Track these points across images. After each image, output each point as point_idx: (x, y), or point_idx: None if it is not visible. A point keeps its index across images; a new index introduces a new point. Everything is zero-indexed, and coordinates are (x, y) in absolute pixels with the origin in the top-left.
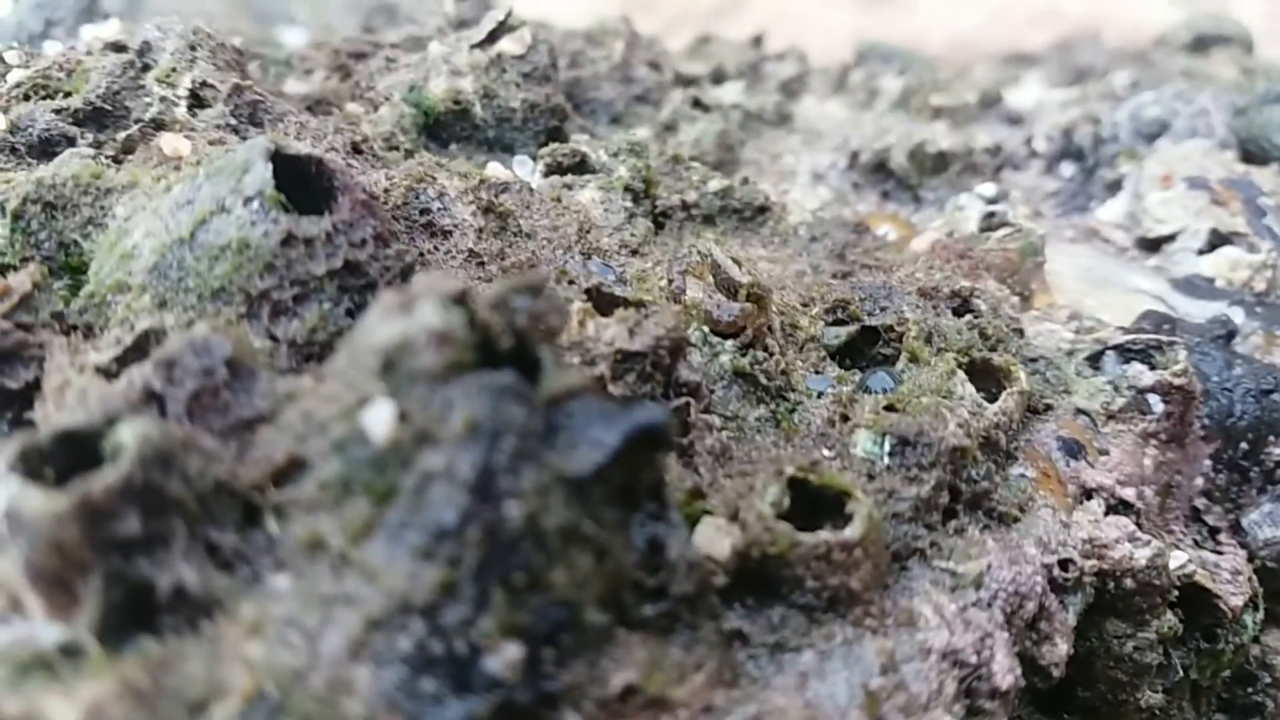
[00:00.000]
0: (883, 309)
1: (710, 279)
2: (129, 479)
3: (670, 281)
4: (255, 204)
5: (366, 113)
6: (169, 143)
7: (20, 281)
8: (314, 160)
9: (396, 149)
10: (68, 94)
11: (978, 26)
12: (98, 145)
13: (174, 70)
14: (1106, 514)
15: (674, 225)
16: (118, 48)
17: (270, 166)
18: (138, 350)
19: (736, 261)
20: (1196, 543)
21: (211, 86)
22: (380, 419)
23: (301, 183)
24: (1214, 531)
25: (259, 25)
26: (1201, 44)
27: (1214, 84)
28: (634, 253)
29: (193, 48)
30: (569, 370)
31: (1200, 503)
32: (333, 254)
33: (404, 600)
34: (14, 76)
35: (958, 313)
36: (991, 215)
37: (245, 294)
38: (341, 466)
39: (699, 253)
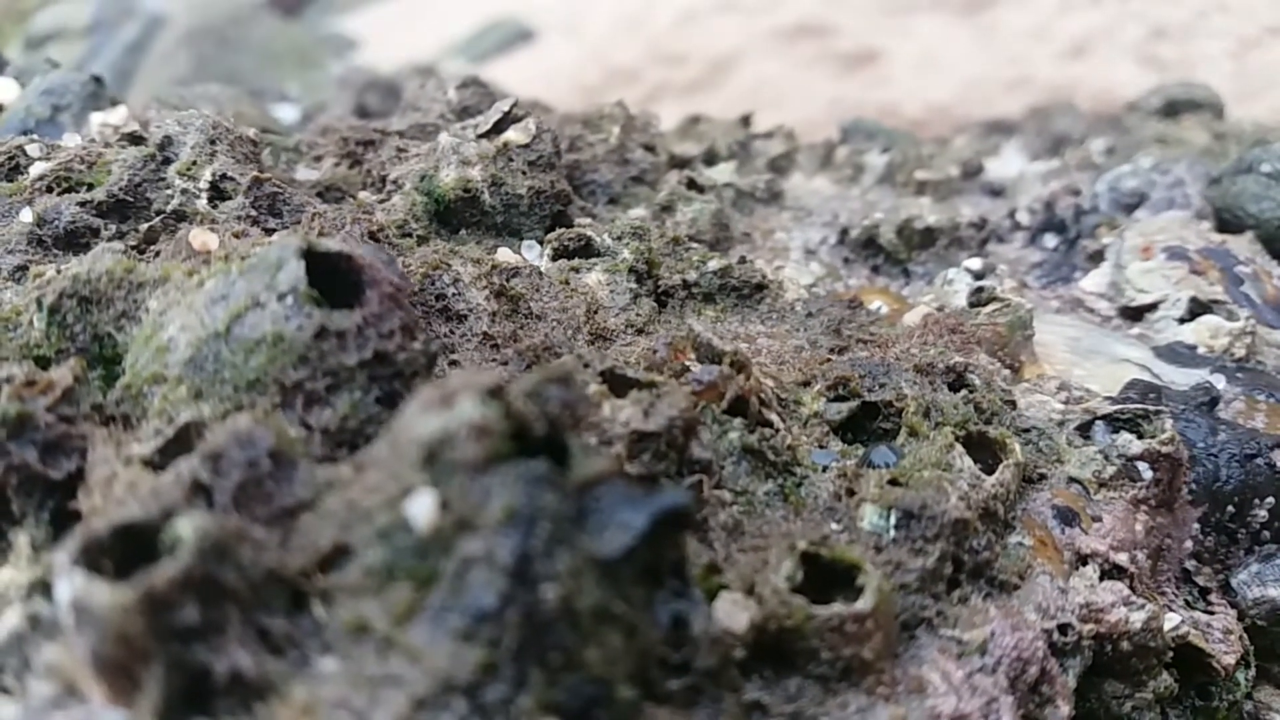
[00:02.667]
0: (882, 385)
1: (693, 354)
2: (189, 571)
3: (655, 352)
4: (289, 300)
5: (380, 200)
6: (197, 237)
7: (62, 375)
8: (344, 256)
9: (410, 235)
10: (90, 186)
11: (952, 94)
12: (120, 236)
13: (194, 163)
14: (1101, 579)
15: (676, 304)
16: (134, 138)
17: (303, 264)
18: (179, 442)
19: (718, 335)
20: (1188, 603)
21: (231, 179)
22: (423, 508)
23: (331, 276)
24: (1204, 592)
25: (254, 102)
26: (1173, 109)
27: (1188, 153)
28: (639, 332)
29: (212, 141)
30: (597, 456)
31: (1190, 564)
32: (363, 346)
33: (447, 680)
34: (36, 169)
35: (953, 387)
36: (980, 290)
37: (280, 385)
38: (385, 553)
39: (681, 333)
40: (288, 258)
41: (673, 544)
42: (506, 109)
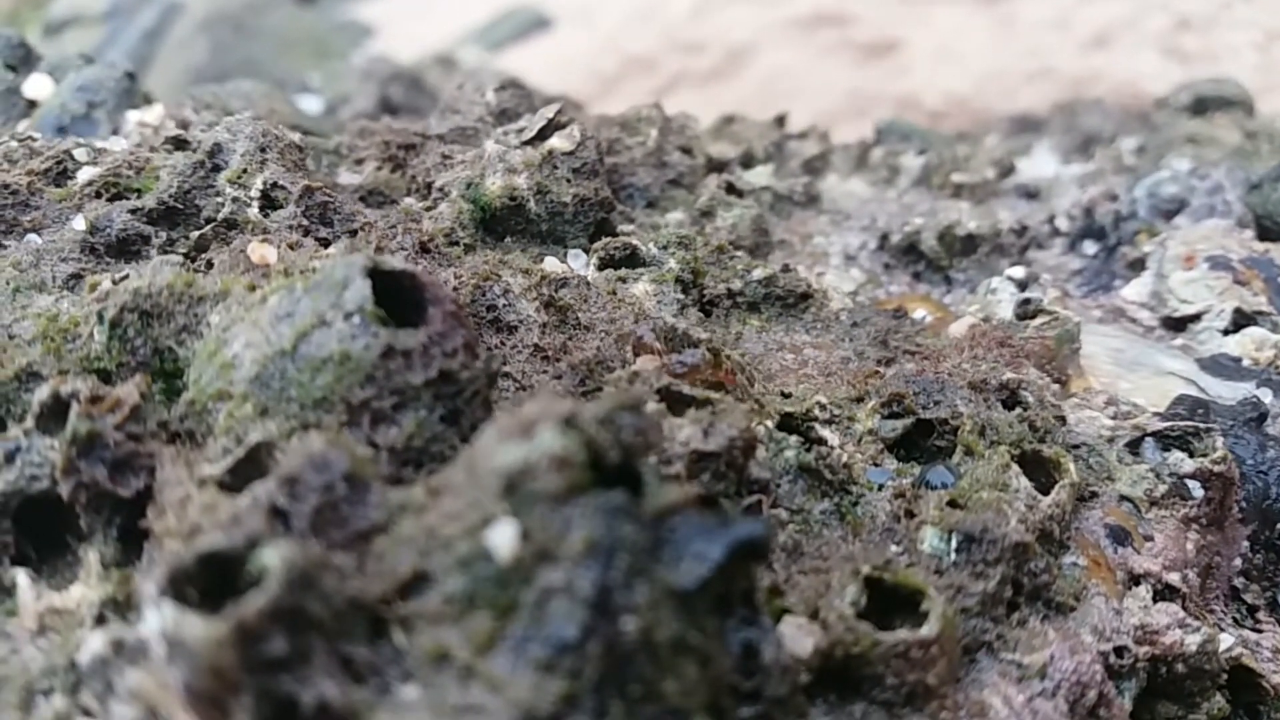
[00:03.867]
0: (936, 402)
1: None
2: (277, 602)
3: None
4: (356, 319)
5: (426, 208)
6: (255, 250)
7: (128, 392)
8: (407, 275)
9: (456, 244)
10: (138, 192)
11: (972, 85)
12: (170, 243)
13: (245, 171)
14: (1154, 599)
15: (720, 313)
16: (179, 142)
17: (369, 282)
18: (251, 463)
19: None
20: (1236, 621)
21: (282, 187)
22: (504, 538)
23: (393, 292)
24: (1252, 610)
25: (287, 99)
26: (1202, 106)
27: (1223, 155)
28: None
29: (262, 149)
30: (670, 485)
31: (1239, 582)
32: (428, 365)
33: (528, 711)
34: (84, 175)
35: (1006, 405)
36: (1027, 302)
37: (346, 403)
38: (466, 581)
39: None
40: (353, 276)
41: (745, 574)
42: (551, 115)
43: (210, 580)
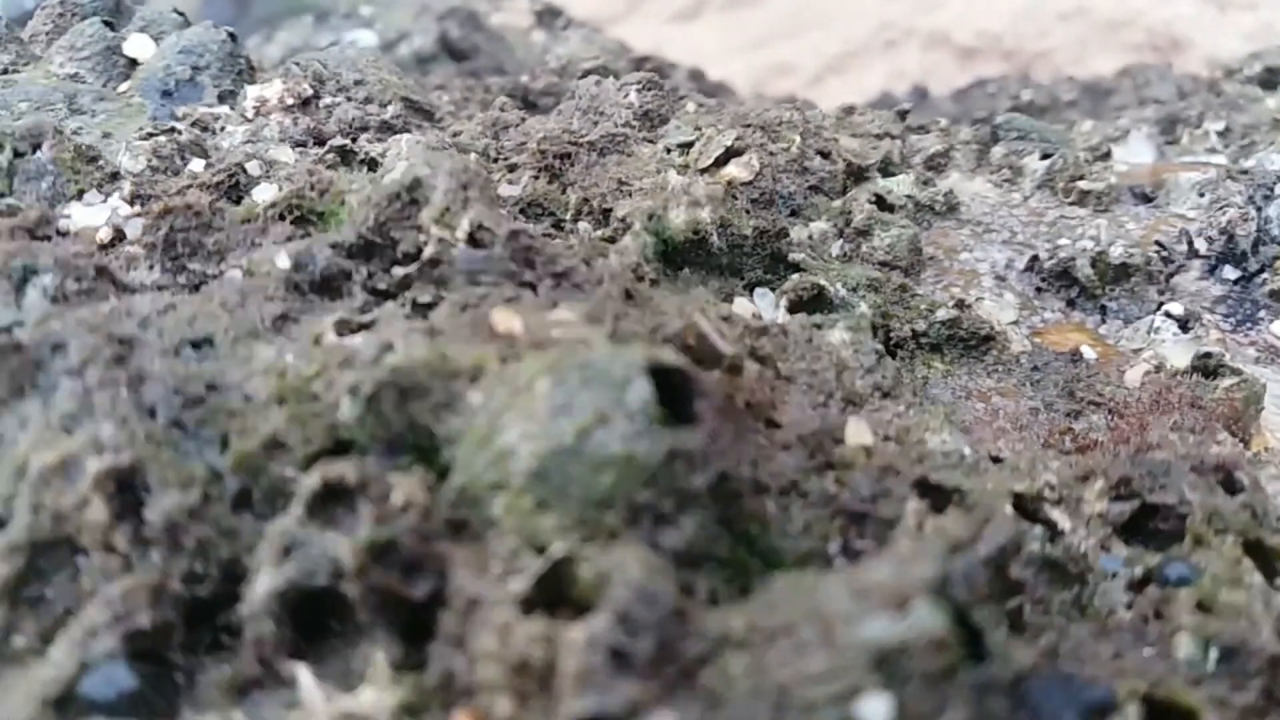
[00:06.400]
0: (1163, 486)
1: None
2: None
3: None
4: (639, 420)
5: (604, 237)
6: (501, 320)
7: (415, 493)
8: (679, 371)
9: (642, 279)
10: (321, 215)
11: (1005, 23)
12: (370, 277)
13: (448, 209)
14: None
15: (905, 355)
16: (344, 153)
17: (650, 382)
18: (555, 577)
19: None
20: None
21: (488, 229)
22: (877, 713)
23: (661, 383)
24: None
25: (320, 26)
26: (1273, 77)
27: None
28: (885, 395)
29: (464, 185)
30: (1019, 646)
31: None
32: (708, 466)
33: None
34: (263, 194)
35: (1225, 487)
36: (1208, 355)
37: (628, 503)
38: None
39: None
40: (634, 375)
41: None
42: (728, 144)
43: None
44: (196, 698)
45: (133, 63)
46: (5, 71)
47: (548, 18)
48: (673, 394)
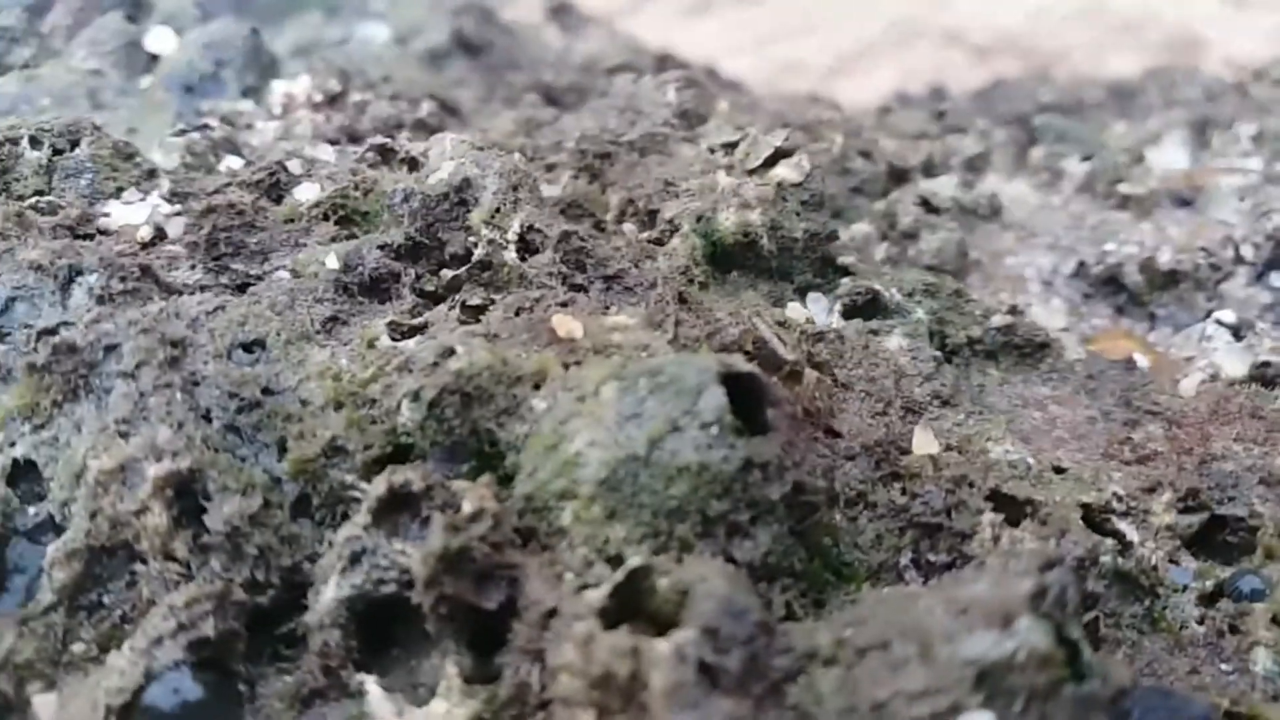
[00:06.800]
0: (1231, 499)
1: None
2: None
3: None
4: (713, 429)
5: (650, 239)
6: (562, 325)
7: (486, 501)
8: (751, 376)
9: (692, 283)
10: (364, 214)
11: (1021, 23)
12: (418, 279)
13: (498, 210)
14: None
15: (961, 362)
16: (384, 151)
17: (724, 390)
18: (629, 589)
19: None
20: None
21: (539, 230)
22: None
23: (731, 390)
24: None
25: (330, 19)
26: None
27: None
28: (945, 403)
29: (514, 187)
30: (1113, 662)
31: None
32: (783, 477)
33: None
34: (305, 194)
35: None
36: (1267, 365)
37: (702, 514)
38: None
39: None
40: (708, 383)
41: None
42: (778, 144)
43: None
44: (259, 708)
45: (153, 57)
46: (26, 66)
47: (560, 13)
48: (743, 402)
